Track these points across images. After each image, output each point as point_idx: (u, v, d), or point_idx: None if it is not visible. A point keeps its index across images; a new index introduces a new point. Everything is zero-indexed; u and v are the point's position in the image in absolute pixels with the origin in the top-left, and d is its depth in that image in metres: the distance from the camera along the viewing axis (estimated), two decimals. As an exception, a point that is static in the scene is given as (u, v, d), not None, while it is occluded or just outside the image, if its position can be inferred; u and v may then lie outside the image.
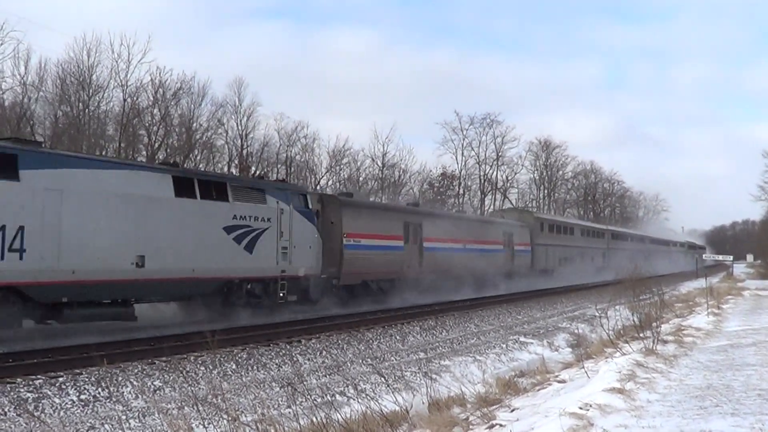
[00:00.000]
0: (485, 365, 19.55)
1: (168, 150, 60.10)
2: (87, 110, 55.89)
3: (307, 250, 27.39)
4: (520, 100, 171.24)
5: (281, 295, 25.98)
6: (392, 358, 20.83)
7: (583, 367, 14.75)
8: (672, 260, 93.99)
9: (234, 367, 17.77)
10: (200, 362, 17.53)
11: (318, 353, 20.42)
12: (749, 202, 76.40)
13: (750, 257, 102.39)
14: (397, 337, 24.29)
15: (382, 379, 15.24)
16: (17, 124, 49.53)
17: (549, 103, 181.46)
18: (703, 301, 33.59)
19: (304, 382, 16.01)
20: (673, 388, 12.27)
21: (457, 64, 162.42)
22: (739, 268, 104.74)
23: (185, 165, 58.30)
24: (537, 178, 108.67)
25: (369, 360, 19.85)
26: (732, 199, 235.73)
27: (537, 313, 35.37)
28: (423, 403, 12.10)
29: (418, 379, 16.87)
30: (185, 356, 17.88)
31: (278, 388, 15.95)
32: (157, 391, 15.16)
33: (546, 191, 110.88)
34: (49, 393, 14.04)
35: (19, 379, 14.55)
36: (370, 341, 22.98)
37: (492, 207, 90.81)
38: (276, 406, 14.20)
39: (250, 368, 17.92)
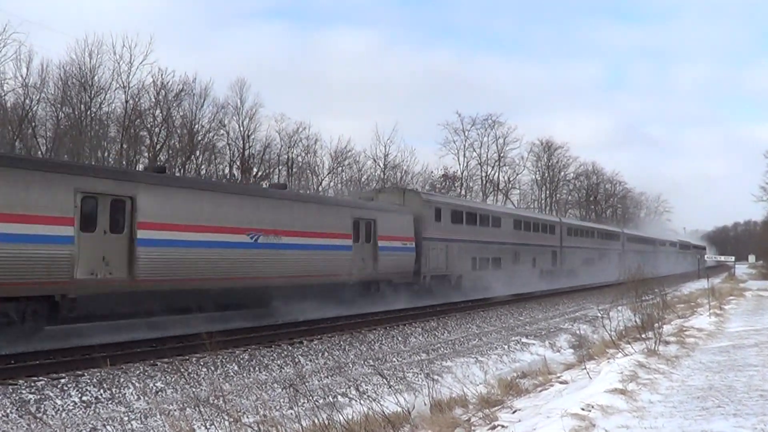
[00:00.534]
0: (487, 366, 19.53)
1: (170, 152, 60.19)
2: (89, 112, 55.96)
3: None
4: (521, 100, 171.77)
5: None
6: (394, 359, 20.81)
7: (585, 368, 14.74)
8: (663, 261, 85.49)
9: (236, 368, 17.77)
10: (202, 363, 17.53)
11: (320, 354, 20.42)
12: (751, 202, 76.32)
13: (752, 258, 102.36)
14: (399, 338, 24.28)
15: (384, 380, 15.25)
16: (19, 126, 49.61)
17: (550, 103, 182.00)
18: (705, 302, 33.54)
19: (306, 384, 15.99)
20: (675, 389, 12.25)
21: (458, 64, 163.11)
22: (741, 269, 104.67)
23: (186, 167, 58.56)
24: (539, 179, 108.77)
25: (371, 361, 19.84)
26: (734, 200, 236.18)
27: (539, 314, 35.35)
28: (425, 404, 12.09)
29: (420, 380, 16.87)
30: (187, 357, 17.90)
31: (280, 390, 15.93)
32: (159, 393, 15.16)
33: (548, 192, 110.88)
34: (51, 394, 14.05)
35: (21, 381, 14.56)
36: (372, 342, 22.97)
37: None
38: (278, 408, 14.18)
39: (251, 369, 17.92)
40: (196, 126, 64.37)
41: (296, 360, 19.29)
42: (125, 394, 14.66)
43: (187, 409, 13.24)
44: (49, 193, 18.87)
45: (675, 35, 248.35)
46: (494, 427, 9.89)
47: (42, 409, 13.28)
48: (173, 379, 15.93)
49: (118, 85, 57.80)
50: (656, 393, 11.80)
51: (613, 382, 12.03)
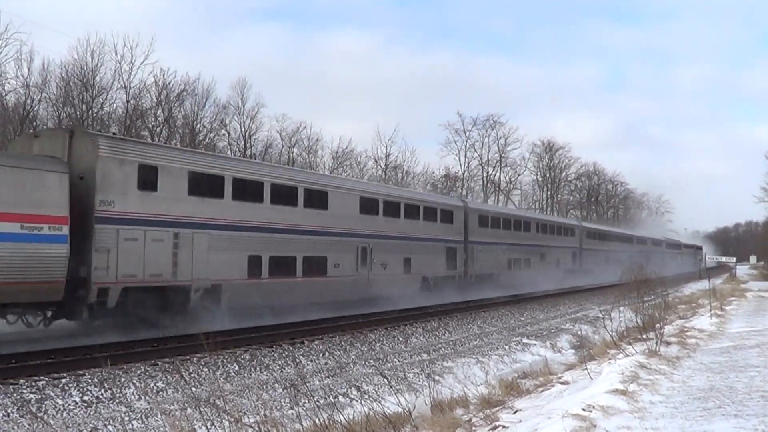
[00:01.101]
0: (488, 366, 19.53)
1: (171, 151, 60.13)
2: (90, 112, 55.98)
3: None
4: (521, 101, 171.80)
5: None
6: (395, 359, 20.82)
7: (586, 369, 14.74)
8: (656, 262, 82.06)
9: (236, 368, 17.77)
10: (203, 363, 17.53)
11: (321, 354, 20.42)
12: (752, 203, 76.25)
13: (753, 259, 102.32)
14: (400, 339, 24.28)
15: (385, 380, 15.24)
16: (20, 126, 49.64)
17: (550, 104, 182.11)
18: (707, 303, 33.53)
19: (307, 384, 15.99)
20: (676, 390, 12.25)
21: (457, 65, 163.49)
22: (742, 270, 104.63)
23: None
24: (540, 179, 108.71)
25: (372, 361, 19.84)
26: (734, 201, 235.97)
27: (540, 315, 35.34)
28: (426, 404, 12.09)
29: (421, 380, 16.86)
30: (188, 357, 17.90)
31: (281, 390, 15.94)
32: (160, 392, 15.17)
33: (549, 193, 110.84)
34: (52, 394, 14.05)
35: (22, 380, 14.57)
36: (373, 343, 22.97)
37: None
38: (279, 408, 14.19)
39: (252, 369, 17.92)
40: (198, 126, 64.42)
41: (297, 360, 19.29)
42: (126, 393, 14.67)
43: (188, 408, 13.23)
44: None
45: (674, 36, 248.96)
46: (495, 428, 9.88)
47: (43, 409, 13.28)
48: (174, 379, 15.93)
49: (119, 85, 57.88)
50: (657, 394, 11.79)
51: (614, 383, 12.03)
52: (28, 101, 53.58)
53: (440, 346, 23.76)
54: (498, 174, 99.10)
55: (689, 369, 14.88)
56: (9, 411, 12.88)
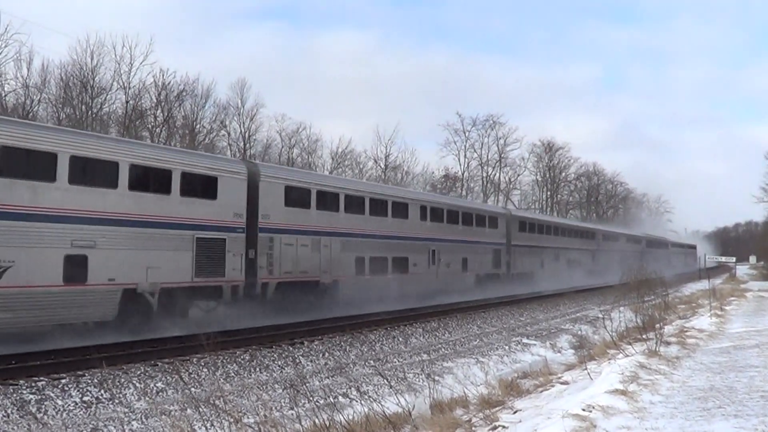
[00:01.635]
0: (488, 367, 19.52)
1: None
2: (90, 112, 56.03)
3: None
4: (519, 101, 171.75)
5: None
6: (395, 359, 20.82)
7: (586, 369, 14.74)
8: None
9: (236, 368, 17.77)
10: (202, 364, 17.53)
11: (320, 355, 20.42)
12: (752, 203, 76.28)
13: (753, 258, 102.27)
14: (400, 339, 24.28)
15: (385, 380, 15.25)
16: (20, 126, 49.60)
17: (547, 104, 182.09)
18: (706, 303, 33.54)
19: (307, 384, 15.98)
20: (676, 390, 12.25)
21: (455, 65, 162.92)
22: (742, 270, 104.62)
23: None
24: (540, 179, 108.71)
25: (372, 362, 19.84)
26: (734, 201, 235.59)
27: (540, 315, 35.34)
28: (425, 404, 12.09)
29: (421, 380, 16.86)
30: (188, 358, 17.90)
31: (281, 390, 15.94)
32: (160, 393, 15.16)
33: (549, 193, 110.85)
34: (52, 395, 14.05)
35: (21, 381, 14.56)
36: (373, 343, 22.97)
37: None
38: (278, 408, 14.18)
39: (252, 370, 17.92)
40: (198, 126, 64.48)
41: (297, 360, 19.29)
42: (126, 394, 14.67)
43: (188, 409, 13.24)
44: None
45: (671, 36, 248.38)
46: (495, 428, 9.88)
47: (43, 410, 13.28)
48: (174, 380, 15.93)
49: (118, 86, 57.95)
50: (657, 394, 11.79)
51: (614, 383, 12.03)
52: (28, 102, 53.64)
53: (440, 346, 23.76)
54: (498, 174, 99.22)
55: (689, 369, 14.88)
56: (9, 411, 12.88)
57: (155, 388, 15.36)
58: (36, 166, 18.97)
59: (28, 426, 12.12)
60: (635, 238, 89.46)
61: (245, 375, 17.41)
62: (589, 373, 14.20)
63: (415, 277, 36.64)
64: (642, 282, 29.64)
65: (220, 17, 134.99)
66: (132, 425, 12.83)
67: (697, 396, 11.57)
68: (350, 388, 16.05)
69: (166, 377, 16.10)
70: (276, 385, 16.49)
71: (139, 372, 16.26)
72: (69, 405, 13.72)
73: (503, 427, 9.88)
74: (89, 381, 15.06)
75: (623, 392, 11.35)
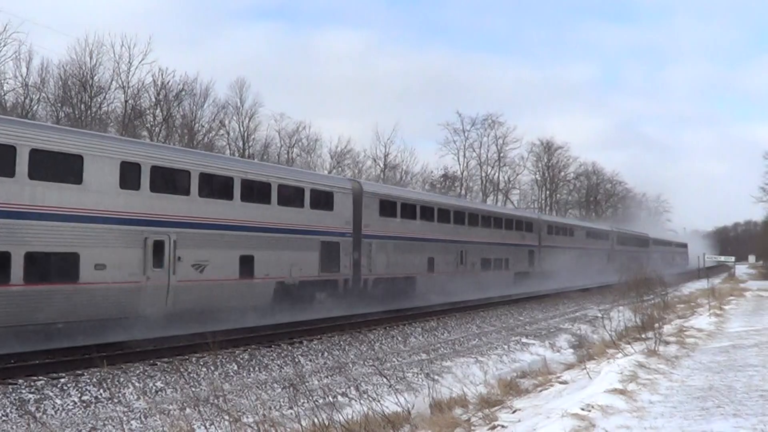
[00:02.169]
0: (487, 366, 19.51)
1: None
2: (89, 111, 56.05)
3: None
4: (517, 101, 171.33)
5: None
6: (394, 359, 20.81)
7: (585, 368, 14.73)
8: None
9: (235, 368, 17.77)
10: (202, 363, 17.54)
11: (320, 354, 20.43)
12: (751, 203, 76.34)
13: (752, 258, 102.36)
14: (399, 338, 24.29)
15: (385, 379, 15.25)
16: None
17: (546, 104, 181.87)
18: (705, 302, 33.55)
19: (306, 383, 15.98)
20: (675, 389, 12.25)
21: (453, 64, 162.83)
22: (741, 269, 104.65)
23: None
24: (539, 179, 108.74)
25: (371, 361, 19.83)
26: (733, 200, 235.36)
27: (539, 314, 35.33)
28: (424, 401, 12.08)
29: (420, 380, 16.87)
30: (187, 357, 17.91)
31: (280, 389, 15.94)
32: (159, 392, 15.17)
33: (548, 192, 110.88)
34: (51, 394, 14.05)
35: (20, 380, 14.58)
36: (372, 342, 22.98)
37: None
38: (278, 407, 14.19)
39: (251, 369, 17.92)
40: (196, 125, 64.50)
41: (296, 360, 19.30)
42: (125, 393, 14.67)
43: (187, 408, 13.25)
44: None
45: (668, 35, 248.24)
46: (494, 427, 9.88)
47: (42, 409, 13.29)
48: (173, 379, 15.94)
49: (117, 85, 57.99)
50: (656, 393, 11.79)
51: (613, 383, 12.03)
52: (27, 101, 53.65)
53: (439, 345, 23.76)
54: (497, 173, 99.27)
55: (688, 368, 14.87)
56: (8, 411, 12.88)
57: (154, 388, 15.37)
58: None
59: (27, 425, 12.12)
60: (598, 232, 75.74)
61: (244, 374, 17.42)
62: (588, 373, 14.20)
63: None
64: (641, 281, 29.68)
65: (217, 17, 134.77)
66: (131, 424, 12.82)
67: (696, 395, 11.57)
68: (349, 388, 16.06)
69: (165, 376, 16.11)
70: (275, 385, 16.50)
71: (138, 371, 16.27)
72: (68, 404, 13.73)
73: (502, 426, 9.88)
74: (88, 380, 15.07)
75: (622, 392, 11.35)
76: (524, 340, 25.66)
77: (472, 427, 10.32)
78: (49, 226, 18.81)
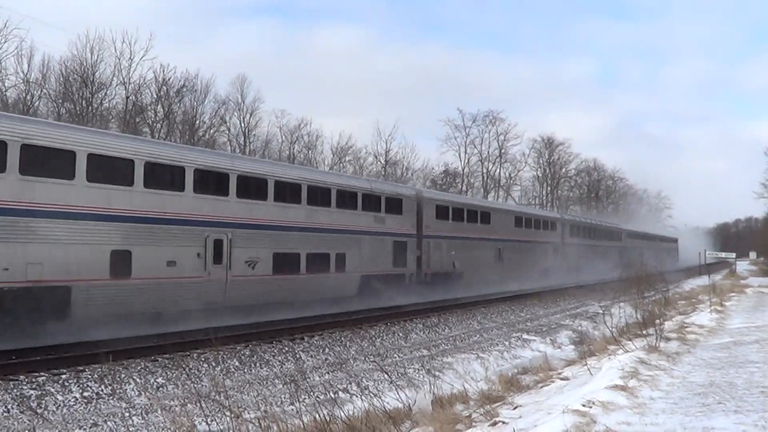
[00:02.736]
0: (488, 362, 19.54)
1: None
2: (90, 108, 56.03)
3: None
4: (517, 97, 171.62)
5: None
6: (395, 355, 20.83)
7: (586, 365, 14.73)
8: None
9: (237, 364, 17.78)
10: (203, 359, 17.55)
11: (321, 350, 20.44)
12: (752, 199, 76.28)
13: (753, 254, 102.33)
14: (400, 335, 24.30)
15: (386, 375, 15.25)
16: (20, 122, 49.67)
17: (546, 101, 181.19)
18: (706, 299, 33.54)
19: (307, 379, 16.01)
20: (676, 386, 12.25)
21: (453, 61, 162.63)
22: (743, 266, 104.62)
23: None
24: (540, 175, 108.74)
25: (372, 357, 19.85)
26: (734, 197, 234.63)
27: (540, 311, 35.34)
28: (426, 398, 12.09)
29: (421, 376, 16.87)
30: (188, 353, 17.91)
31: (281, 385, 15.95)
32: (160, 388, 15.18)
33: (549, 188, 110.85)
34: (52, 390, 14.07)
35: (22, 376, 14.59)
36: (373, 338, 22.99)
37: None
38: (279, 403, 14.20)
39: (252, 365, 17.93)
40: (197, 122, 64.49)
41: (297, 356, 19.31)
42: (126, 389, 14.67)
43: (188, 404, 13.26)
44: None
45: (666, 33, 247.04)
46: (495, 423, 9.87)
47: (43, 405, 13.30)
48: (174, 375, 15.95)
49: (118, 81, 57.97)
50: (657, 389, 11.79)
51: (614, 379, 12.03)
52: (29, 97, 53.67)
53: (440, 341, 23.78)
54: (498, 170, 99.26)
55: (689, 365, 14.88)
56: (9, 407, 12.90)
57: (156, 384, 15.38)
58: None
59: (29, 421, 12.13)
60: (551, 220, 64.19)
61: (246, 370, 17.43)
62: (589, 369, 14.20)
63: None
64: (642, 278, 29.65)
65: (217, 13, 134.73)
66: (132, 420, 12.83)
67: (697, 392, 11.57)
68: (350, 384, 16.08)
69: (166, 372, 16.12)
70: (276, 381, 16.51)
71: (139, 367, 16.28)
72: (69, 400, 13.74)
73: (503, 422, 9.87)
74: (89, 376, 15.08)
75: (623, 388, 11.35)
76: (525, 336, 25.67)
77: (473, 423, 10.32)
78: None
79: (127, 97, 58.15)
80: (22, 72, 53.54)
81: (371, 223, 33.22)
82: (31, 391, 13.84)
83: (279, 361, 18.63)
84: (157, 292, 21.79)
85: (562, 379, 14.75)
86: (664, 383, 12.45)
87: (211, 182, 24.26)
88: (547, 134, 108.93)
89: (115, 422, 12.59)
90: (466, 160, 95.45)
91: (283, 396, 14.93)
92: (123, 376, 15.43)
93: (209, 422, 11.51)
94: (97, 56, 56.59)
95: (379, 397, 11.76)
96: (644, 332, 18.52)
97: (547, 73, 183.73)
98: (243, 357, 18.42)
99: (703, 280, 50.12)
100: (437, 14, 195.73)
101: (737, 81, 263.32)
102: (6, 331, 17.48)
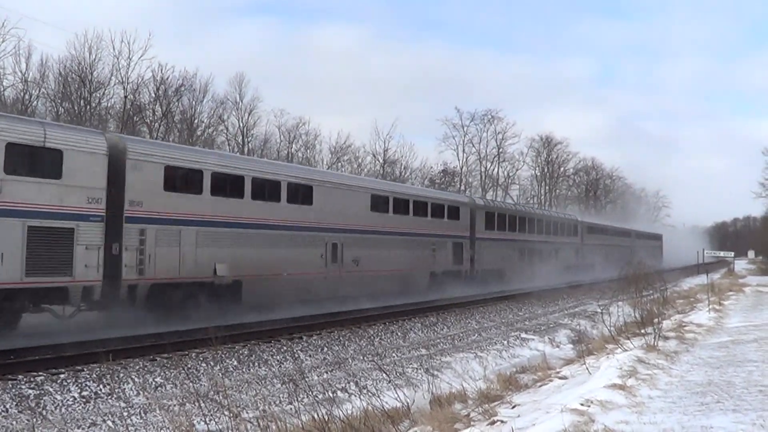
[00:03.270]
0: (486, 361, 19.54)
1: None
2: (88, 107, 56.02)
3: None
4: (515, 96, 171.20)
5: None
6: (393, 354, 20.84)
7: (585, 364, 14.74)
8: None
9: (235, 363, 17.79)
10: (201, 359, 17.56)
11: (319, 349, 20.44)
12: (750, 199, 76.46)
13: (751, 253, 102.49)
14: (399, 334, 24.31)
15: (384, 375, 15.26)
16: (18, 121, 49.65)
17: (544, 100, 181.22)
18: (705, 298, 33.56)
19: (306, 379, 16.01)
20: (675, 384, 12.26)
21: (450, 60, 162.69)
22: (741, 264, 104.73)
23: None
24: (538, 174, 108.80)
25: (370, 356, 19.85)
26: (733, 196, 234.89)
27: (538, 310, 35.37)
28: (424, 397, 12.10)
29: (420, 375, 16.88)
30: (186, 353, 17.91)
31: (279, 385, 15.95)
32: (159, 388, 15.18)
33: (547, 187, 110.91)
34: (51, 390, 14.07)
35: (20, 376, 14.59)
36: (372, 337, 23.00)
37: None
38: (277, 403, 14.21)
39: (251, 365, 17.94)
40: (196, 121, 64.49)
41: (296, 355, 19.31)
42: (125, 389, 14.68)
43: (187, 404, 13.26)
44: None
45: (663, 31, 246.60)
46: (493, 422, 9.88)
47: (42, 405, 13.29)
48: (173, 374, 15.95)
49: (117, 81, 57.95)
50: (655, 388, 11.80)
51: (613, 378, 12.04)
52: (27, 97, 53.65)
53: (438, 341, 23.79)
54: (496, 169, 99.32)
55: (687, 364, 14.89)
56: (8, 407, 12.90)
57: (154, 383, 15.38)
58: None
59: (27, 420, 12.13)
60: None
61: (244, 370, 17.43)
62: (587, 368, 14.21)
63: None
64: (640, 277, 29.67)
65: (215, 12, 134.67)
66: (131, 420, 12.84)
67: (695, 390, 11.58)
68: (349, 383, 16.09)
69: (164, 372, 16.13)
70: (275, 380, 16.51)
71: (137, 367, 16.28)
72: (68, 400, 13.74)
73: (502, 421, 9.88)
74: (88, 376, 15.08)
75: (622, 387, 11.36)
76: (523, 335, 25.69)
77: (472, 422, 10.33)
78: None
79: (126, 97, 58.12)
80: (20, 71, 53.57)
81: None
82: (30, 391, 13.84)
83: (278, 361, 18.63)
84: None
85: (560, 378, 14.77)
86: (663, 382, 12.46)
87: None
88: (546, 133, 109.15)
89: (113, 422, 12.60)
90: (465, 159, 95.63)
91: (281, 395, 14.93)
92: (122, 375, 15.43)
93: (208, 422, 11.51)
94: (96, 56, 56.61)
95: (378, 397, 11.77)
96: (643, 331, 18.55)
97: (545, 72, 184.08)
98: (242, 356, 18.42)
99: (702, 279, 50.15)
100: (435, 13, 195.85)
101: (736, 79, 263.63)
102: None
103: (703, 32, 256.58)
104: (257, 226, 26.31)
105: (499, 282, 45.93)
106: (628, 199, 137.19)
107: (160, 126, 60.71)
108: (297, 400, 12.83)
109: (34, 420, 12.05)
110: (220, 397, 12.63)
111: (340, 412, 10.47)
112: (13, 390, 13.73)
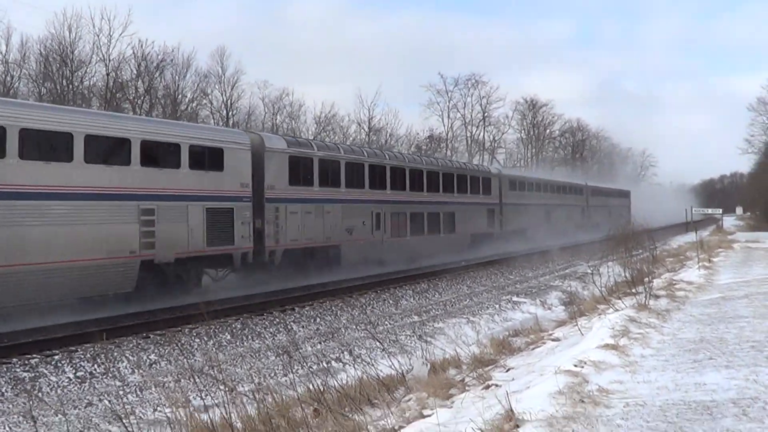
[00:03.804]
0: (479, 326, 19.62)
1: (153, 123, 59.95)
2: (71, 86, 55.59)
3: None
4: (496, 61, 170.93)
5: None
6: (386, 322, 20.89)
7: (577, 325, 14.81)
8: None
9: (229, 337, 17.81)
10: (195, 334, 17.57)
11: (312, 320, 20.48)
12: (737, 155, 76.66)
13: (739, 210, 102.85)
14: (390, 302, 24.36)
15: (378, 343, 15.30)
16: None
17: (525, 63, 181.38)
18: (694, 255, 33.72)
19: (300, 350, 16.04)
20: (667, 343, 12.33)
21: (428, 26, 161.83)
22: (729, 221, 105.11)
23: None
24: (524, 137, 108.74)
25: (363, 325, 19.90)
26: (719, 153, 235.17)
27: (529, 272, 35.47)
28: (423, 363, 12.13)
29: (413, 342, 16.93)
30: (180, 329, 17.93)
31: (274, 357, 15.99)
32: (153, 365, 15.19)
33: (534, 150, 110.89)
34: (46, 371, 14.06)
35: (14, 359, 14.57)
36: (364, 306, 23.05)
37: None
38: (272, 375, 14.24)
39: (244, 338, 17.97)
40: (179, 96, 64.10)
41: (289, 327, 19.34)
42: (119, 368, 14.69)
43: (182, 380, 13.28)
44: None
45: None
46: (488, 387, 9.93)
47: (37, 387, 13.29)
48: (167, 351, 15.97)
49: (98, 59, 57.47)
50: (648, 347, 11.87)
51: (605, 338, 12.09)
52: (8, 78, 53.19)
53: (431, 307, 23.85)
54: (482, 133, 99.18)
55: (679, 321, 14.96)
56: (3, 390, 12.89)
57: (148, 361, 15.39)
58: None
59: (24, 403, 12.13)
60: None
61: (238, 344, 17.46)
62: (579, 329, 14.28)
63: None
64: (629, 236, 29.79)
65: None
66: (127, 398, 12.85)
67: (687, 348, 11.65)
68: (343, 353, 16.14)
69: (158, 349, 16.14)
70: (269, 353, 16.54)
71: (131, 345, 16.29)
72: (63, 381, 13.74)
73: (496, 385, 9.92)
74: (82, 356, 15.08)
75: (614, 347, 11.42)
76: (515, 298, 25.78)
77: (467, 387, 10.37)
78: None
79: (108, 74, 57.67)
80: (1, 53, 53.09)
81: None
82: (25, 374, 13.84)
83: (271, 333, 18.66)
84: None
85: (553, 340, 14.84)
86: (655, 341, 12.53)
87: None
88: (530, 96, 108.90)
89: (109, 400, 12.61)
90: (450, 125, 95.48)
91: (276, 368, 14.97)
92: (115, 354, 15.43)
93: (204, 397, 11.52)
94: (76, 34, 56.10)
95: (372, 365, 11.80)
96: (633, 290, 18.60)
97: (525, 35, 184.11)
98: (234, 330, 18.45)
99: (691, 237, 50.36)
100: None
101: (713, 36, 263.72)
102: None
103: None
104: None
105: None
106: (615, 159, 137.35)
107: (143, 102, 60.32)
108: (292, 371, 12.87)
109: (31, 402, 12.03)
110: (215, 372, 12.64)
111: (335, 382, 10.50)
112: (8, 374, 13.72)
